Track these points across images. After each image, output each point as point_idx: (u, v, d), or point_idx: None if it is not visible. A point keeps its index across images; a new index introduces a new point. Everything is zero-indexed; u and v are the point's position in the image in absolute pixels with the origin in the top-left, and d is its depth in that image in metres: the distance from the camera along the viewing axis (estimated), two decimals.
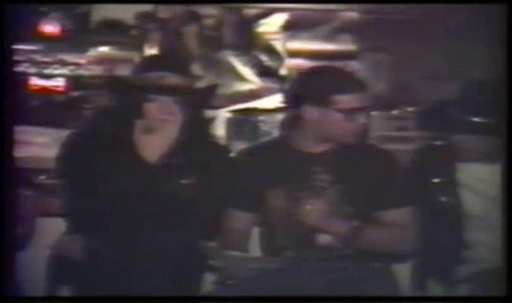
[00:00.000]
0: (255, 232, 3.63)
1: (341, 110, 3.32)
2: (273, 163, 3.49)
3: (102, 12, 4.78)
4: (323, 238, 3.40)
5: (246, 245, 3.56)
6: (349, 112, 3.33)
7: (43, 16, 4.76)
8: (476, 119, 3.41)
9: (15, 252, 3.15)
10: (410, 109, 4.55)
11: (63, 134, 3.75)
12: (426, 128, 4.01)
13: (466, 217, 3.52)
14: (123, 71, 4.55)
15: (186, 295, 3.43)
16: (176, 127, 3.50)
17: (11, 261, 3.05)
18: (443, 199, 3.55)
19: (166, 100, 3.47)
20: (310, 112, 3.37)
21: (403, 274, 3.59)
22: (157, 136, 3.52)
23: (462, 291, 3.46)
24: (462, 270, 3.52)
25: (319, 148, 3.44)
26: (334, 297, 3.32)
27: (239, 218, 3.52)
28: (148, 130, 3.52)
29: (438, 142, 3.71)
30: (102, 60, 4.75)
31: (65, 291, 3.57)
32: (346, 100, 3.34)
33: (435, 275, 3.60)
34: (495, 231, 3.40)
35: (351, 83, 3.44)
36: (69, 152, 3.58)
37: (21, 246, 3.55)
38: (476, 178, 3.53)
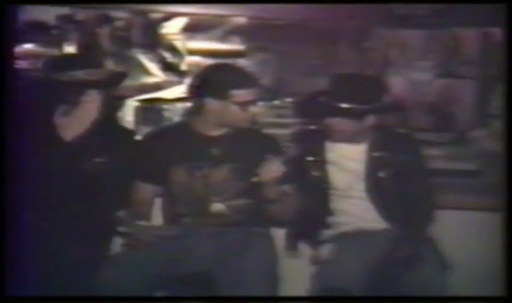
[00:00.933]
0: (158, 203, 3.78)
1: (237, 103, 3.56)
2: (176, 143, 3.69)
3: (27, 14, 4.75)
4: (216, 207, 3.63)
5: (150, 213, 3.73)
6: (244, 104, 3.58)
7: None
8: (343, 105, 3.61)
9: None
10: (289, 100, 4.77)
11: None
12: (302, 115, 4.21)
13: (332, 189, 3.74)
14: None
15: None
16: (95, 112, 3.65)
17: (11, 260, 3.09)
18: (314, 174, 3.76)
19: (93, 92, 3.64)
20: (211, 103, 3.59)
21: (279, 237, 3.77)
22: (73, 118, 3.64)
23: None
24: (327, 233, 3.76)
25: (216, 132, 3.67)
26: (330, 296, 3.46)
27: (145, 190, 3.69)
28: (66, 114, 3.65)
29: (311, 127, 3.91)
30: (26, 56, 4.73)
31: None
32: (242, 94, 3.57)
33: (305, 237, 3.83)
34: (355, 200, 3.71)
35: (245, 79, 3.65)
36: None
37: None
38: (342, 156, 3.74)
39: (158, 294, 3.61)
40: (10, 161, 3.29)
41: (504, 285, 3.26)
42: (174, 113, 4.76)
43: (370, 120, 3.66)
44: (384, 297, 3.52)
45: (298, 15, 4.66)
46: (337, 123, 3.65)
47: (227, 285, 3.40)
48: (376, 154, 3.71)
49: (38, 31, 4.82)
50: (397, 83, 4.68)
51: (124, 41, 4.89)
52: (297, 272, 3.68)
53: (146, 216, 3.69)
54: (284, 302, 3.55)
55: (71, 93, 3.63)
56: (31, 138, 3.61)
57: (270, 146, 3.71)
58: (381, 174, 3.70)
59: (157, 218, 3.78)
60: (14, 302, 3.16)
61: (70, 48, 4.76)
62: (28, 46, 4.83)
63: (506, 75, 3.51)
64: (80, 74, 3.63)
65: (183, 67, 4.92)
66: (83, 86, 3.62)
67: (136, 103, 4.87)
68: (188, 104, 3.94)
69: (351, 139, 3.71)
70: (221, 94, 3.57)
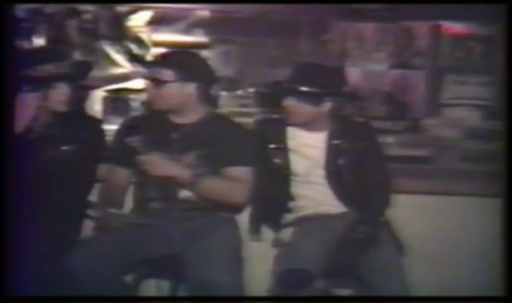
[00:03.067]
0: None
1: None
2: (147, 130, 3.64)
3: None
4: (184, 193, 3.58)
5: (123, 199, 3.72)
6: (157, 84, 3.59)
7: None
8: (302, 89, 3.61)
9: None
10: (251, 90, 4.73)
11: None
12: (264, 104, 4.29)
13: (293, 175, 3.72)
14: None
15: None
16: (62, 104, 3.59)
17: (11, 260, 2.98)
18: (276, 160, 3.73)
19: (63, 86, 3.56)
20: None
21: (243, 221, 3.76)
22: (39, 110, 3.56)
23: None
24: (288, 217, 3.75)
25: (184, 120, 3.63)
26: (331, 296, 3.51)
27: (120, 174, 3.67)
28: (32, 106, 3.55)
29: (273, 116, 3.89)
30: None
31: None
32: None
33: (267, 221, 3.83)
34: (315, 186, 3.71)
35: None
36: None
37: None
38: (303, 144, 3.73)
39: (128, 277, 3.56)
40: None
41: (504, 285, 3.26)
42: (142, 102, 4.69)
43: (328, 106, 3.65)
44: (384, 297, 3.47)
45: (259, 8, 4.66)
46: (296, 106, 3.64)
47: (194, 266, 3.37)
48: (335, 142, 3.71)
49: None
50: (354, 74, 4.66)
51: (91, 34, 4.83)
52: (260, 254, 3.67)
53: (119, 201, 3.67)
54: (284, 301, 3.49)
55: (40, 87, 3.54)
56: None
57: (237, 133, 3.68)
58: (339, 161, 3.70)
59: (128, 203, 3.73)
60: (14, 302, 3.06)
61: (39, 41, 4.69)
62: None
63: (506, 75, 3.46)
64: (49, 68, 3.55)
65: (149, 58, 4.84)
66: (52, 79, 3.54)
67: (104, 94, 4.82)
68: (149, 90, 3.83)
69: (310, 124, 3.70)
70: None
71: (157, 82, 3.65)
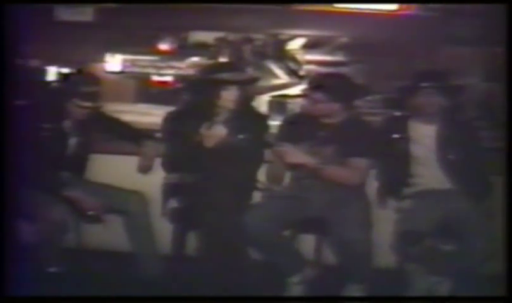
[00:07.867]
0: None
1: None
2: (299, 126, 3.73)
3: (194, 37, 5.15)
4: None
5: (283, 176, 3.78)
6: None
7: (160, 38, 5.17)
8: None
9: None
10: (378, 96, 4.88)
11: (171, 109, 3.92)
12: (389, 107, 4.27)
13: (413, 158, 3.71)
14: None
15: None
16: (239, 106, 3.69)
17: (11, 260, 2.64)
18: (399, 147, 3.72)
19: (236, 88, 3.67)
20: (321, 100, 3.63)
21: (372, 193, 3.77)
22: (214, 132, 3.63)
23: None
24: (408, 190, 3.74)
25: (328, 120, 3.66)
26: (336, 296, 3.43)
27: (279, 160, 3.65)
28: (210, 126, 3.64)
29: (397, 114, 3.87)
30: (194, 66, 5.09)
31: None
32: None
33: (391, 193, 3.80)
34: (429, 167, 3.68)
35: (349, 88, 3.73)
36: (170, 120, 3.78)
37: None
38: (420, 134, 3.71)
39: (286, 232, 3.65)
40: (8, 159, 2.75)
41: (504, 285, 2.98)
42: (295, 105, 4.84)
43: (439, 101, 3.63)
44: (384, 297, 3.43)
45: (384, 36, 4.82)
46: (419, 103, 3.64)
47: (335, 226, 3.45)
48: (445, 133, 3.67)
49: (201, 49, 5.15)
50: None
51: (260, 55, 5.15)
52: (385, 219, 3.68)
53: (280, 178, 3.75)
54: (285, 302, 3.42)
55: (216, 89, 3.65)
56: (190, 121, 3.65)
57: (364, 131, 3.69)
58: (449, 148, 3.67)
59: (286, 179, 3.82)
60: (14, 302, 2.67)
61: (222, 60, 5.00)
62: (195, 59, 5.18)
63: (506, 75, 3.20)
64: (225, 75, 3.65)
65: (302, 73, 5.14)
66: (227, 83, 3.64)
67: (269, 98, 5.11)
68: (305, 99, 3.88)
69: (429, 120, 3.67)
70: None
71: (311, 100, 3.68)
